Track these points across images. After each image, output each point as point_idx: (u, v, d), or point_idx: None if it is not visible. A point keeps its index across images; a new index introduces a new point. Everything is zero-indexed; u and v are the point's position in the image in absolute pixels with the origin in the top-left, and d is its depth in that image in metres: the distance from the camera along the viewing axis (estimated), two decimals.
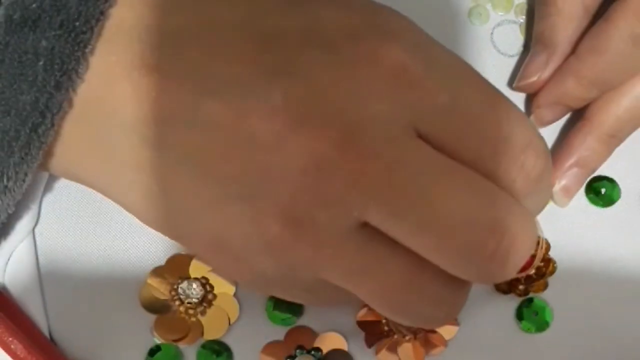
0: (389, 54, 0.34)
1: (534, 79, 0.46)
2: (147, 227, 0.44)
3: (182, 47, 0.35)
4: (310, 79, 0.34)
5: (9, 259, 0.44)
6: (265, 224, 0.34)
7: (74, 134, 0.36)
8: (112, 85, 0.35)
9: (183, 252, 0.44)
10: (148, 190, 0.36)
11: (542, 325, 0.43)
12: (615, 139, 0.46)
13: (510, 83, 0.48)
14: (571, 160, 0.45)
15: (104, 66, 0.35)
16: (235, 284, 0.44)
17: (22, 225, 0.44)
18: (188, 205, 0.35)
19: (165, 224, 0.37)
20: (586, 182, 0.46)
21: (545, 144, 0.37)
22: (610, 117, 0.45)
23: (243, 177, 0.34)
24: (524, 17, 0.49)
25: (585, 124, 0.46)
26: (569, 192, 0.45)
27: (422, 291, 0.35)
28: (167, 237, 0.44)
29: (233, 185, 0.34)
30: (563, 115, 0.47)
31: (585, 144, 0.45)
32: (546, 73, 0.46)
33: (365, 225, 0.34)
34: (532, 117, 0.46)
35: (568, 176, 0.45)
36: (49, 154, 0.36)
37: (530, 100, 0.47)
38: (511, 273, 0.35)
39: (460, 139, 0.35)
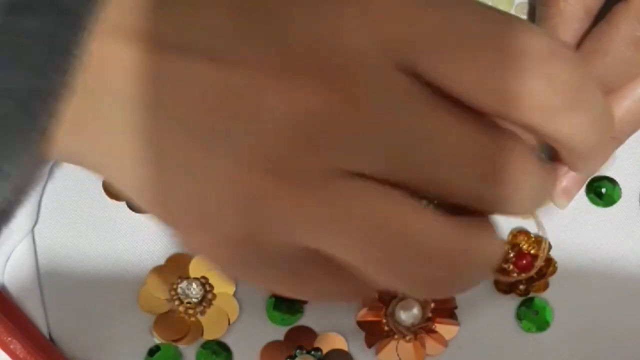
0: None
1: None
2: (146, 227, 0.45)
3: (174, 12, 0.35)
4: (292, 23, 0.33)
5: (8, 259, 0.44)
6: (242, 176, 0.33)
7: (70, 112, 0.36)
8: (105, 51, 0.35)
9: (183, 252, 0.44)
10: (136, 153, 0.35)
11: (542, 325, 0.43)
12: (615, 140, 0.45)
13: None
14: None
15: (99, 35, 0.35)
16: (235, 284, 0.44)
17: (21, 225, 0.44)
18: (173, 166, 0.34)
19: (154, 195, 0.35)
20: (587, 182, 0.46)
21: (573, 54, 0.34)
22: None
23: (223, 130, 0.33)
24: (524, 16, 0.49)
25: None
26: (568, 194, 0.45)
27: (414, 243, 0.32)
28: (166, 237, 0.45)
29: (214, 140, 0.33)
30: None
31: None
32: None
33: (357, 174, 0.32)
34: None
35: (568, 178, 0.45)
36: (45, 138, 0.36)
37: None
38: (505, 195, 0.32)
39: (461, 66, 0.33)
